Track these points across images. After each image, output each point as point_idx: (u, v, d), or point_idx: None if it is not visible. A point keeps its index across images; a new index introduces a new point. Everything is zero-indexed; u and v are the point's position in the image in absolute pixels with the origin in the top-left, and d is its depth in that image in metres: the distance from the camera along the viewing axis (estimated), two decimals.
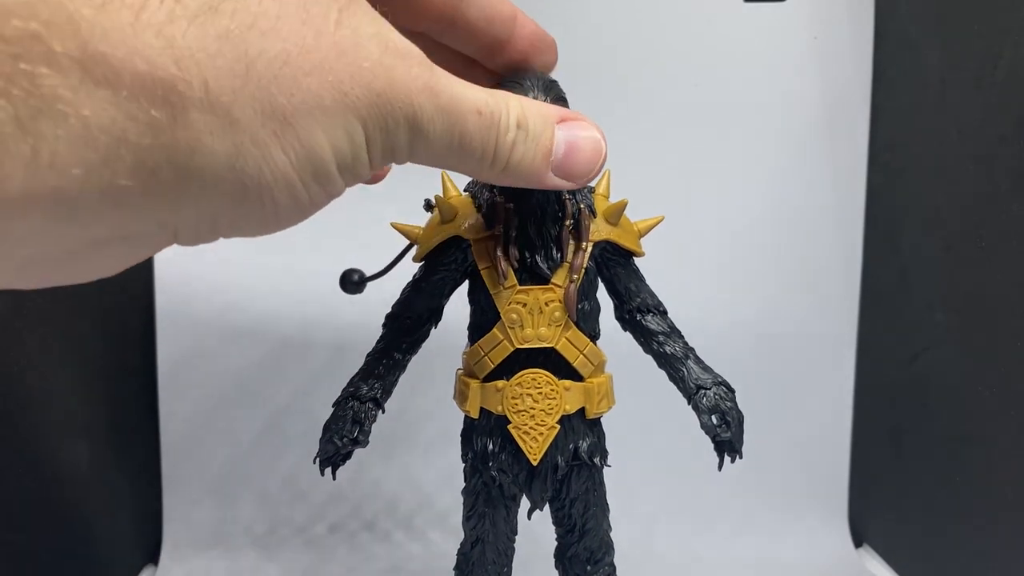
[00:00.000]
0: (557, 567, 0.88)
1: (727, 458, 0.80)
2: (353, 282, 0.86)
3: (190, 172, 0.41)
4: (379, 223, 0.86)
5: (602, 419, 0.83)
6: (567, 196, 0.77)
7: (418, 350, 0.81)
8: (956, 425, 1.07)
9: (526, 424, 0.78)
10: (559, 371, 0.78)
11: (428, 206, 0.81)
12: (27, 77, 0.35)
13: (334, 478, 0.77)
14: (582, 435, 0.80)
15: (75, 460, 1.02)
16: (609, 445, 0.84)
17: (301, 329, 1.27)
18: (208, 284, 1.26)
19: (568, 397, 0.78)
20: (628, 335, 0.84)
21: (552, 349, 0.77)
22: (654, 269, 0.84)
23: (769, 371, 1.30)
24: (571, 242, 0.76)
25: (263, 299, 1.27)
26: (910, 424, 1.19)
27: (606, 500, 0.84)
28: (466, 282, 0.81)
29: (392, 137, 0.49)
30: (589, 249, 0.76)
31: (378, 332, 0.80)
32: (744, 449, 0.80)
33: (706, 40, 1.26)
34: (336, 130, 0.46)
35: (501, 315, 0.76)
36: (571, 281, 0.75)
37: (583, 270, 0.76)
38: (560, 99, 0.78)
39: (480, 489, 0.82)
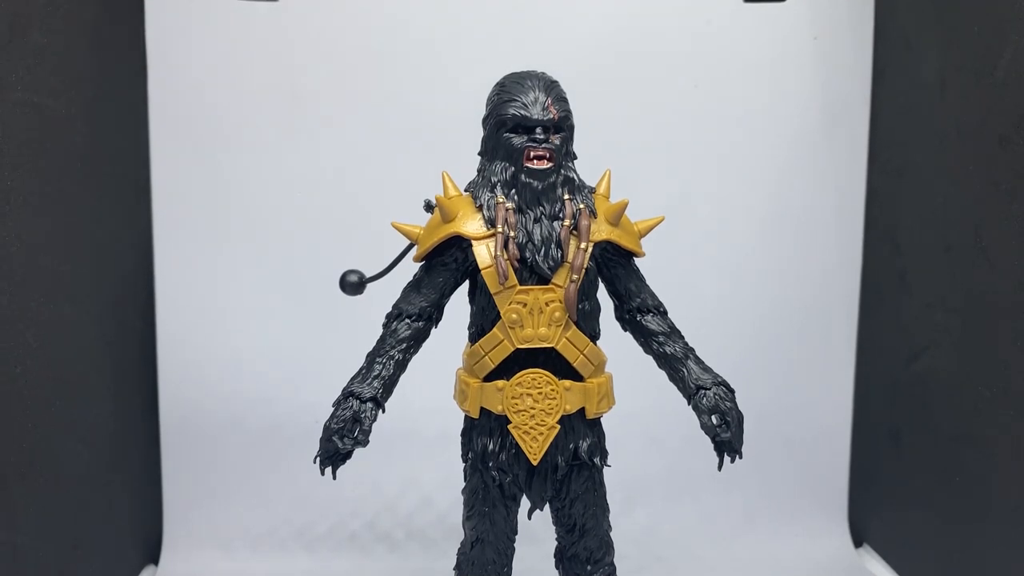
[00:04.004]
0: (557, 567, 0.88)
1: (727, 458, 0.80)
2: (352, 283, 0.86)
3: None
4: (380, 223, 0.86)
5: (602, 419, 0.83)
6: (568, 196, 0.77)
7: (419, 350, 0.81)
8: (956, 425, 1.07)
9: (526, 424, 0.78)
10: (559, 371, 0.78)
11: (428, 206, 0.81)
12: None
13: (334, 478, 0.77)
14: (582, 435, 0.80)
15: (75, 460, 1.02)
16: (609, 445, 0.84)
17: (301, 328, 1.27)
18: (209, 283, 1.26)
19: (568, 397, 0.78)
20: (628, 335, 0.84)
21: (552, 349, 0.77)
22: (654, 269, 0.84)
23: (769, 371, 1.30)
24: (571, 242, 0.76)
25: (264, 298, 1.27)
26: (910, 424, 1.19)
27: (606, 500, 0.84)
28: (466, 282, 0.81)
29: None
30: (589, 249, 0.76)
31: (379, 331, 0.80)
32: (744, 449, 0.80)
33: (706, 40, 1.26)
34: None
35: (501, 315, 0.76)
36: (572, 281, 0.75)
37: (583, 270, 0.76)
38: (561, 99, 0.78)
39: (480, 489, 0.82)
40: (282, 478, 1.26)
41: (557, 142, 0.77)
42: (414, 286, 0.81)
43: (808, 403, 1.33)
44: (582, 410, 0.79)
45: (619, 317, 0.83)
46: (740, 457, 0.80)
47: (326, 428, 0.76)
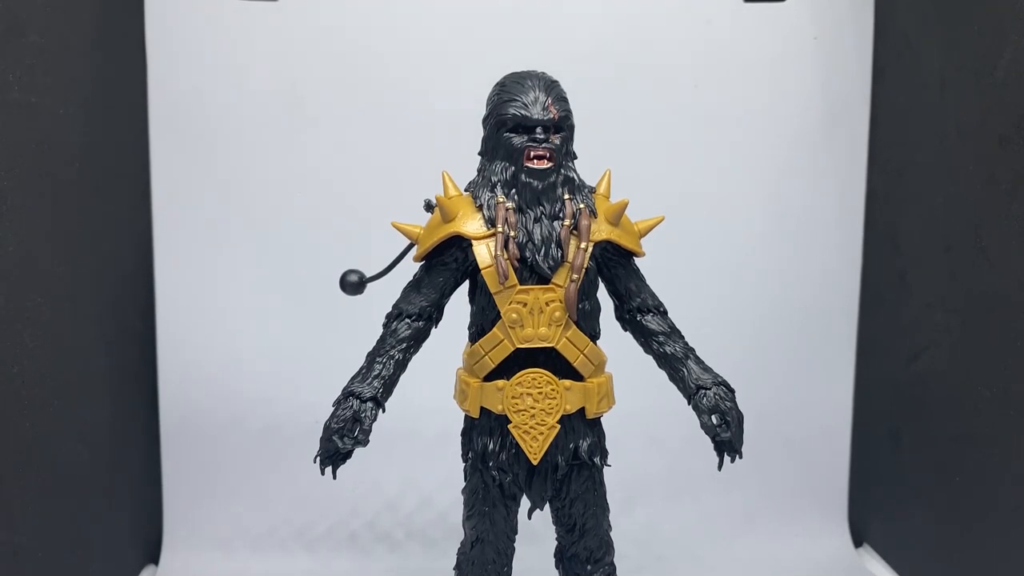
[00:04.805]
0: (557, 567, 0.88)
1: (727, 458, 0.80)
2: (353, 283, 0.86)
3: None
4: (380, 223, 0.86)
5: (602, 419, 0.83)
6: (568, 196, 0.77)
7: (419, 349, 0.81)
8: (956, 425, 1.07)
9: (526, 424, 0.78)
10: (559, 371, 0.78)
11: (428, 206, 0.81)
12: None
13: (334, 477, 0.77)
14: (582, 435, 0.80)
15: (75, 460, 1.02)
16: (609, 445, 0.84)
17: (301, 328, 1.27)
18: (209, 283, 1.26)
19: (568, 397, 0.78)
20: (628, 335, 0.84)
21: (552, 349, 0.77)
22: (654, 269, 0.84)
23: (769, 371, 1.30)
24: (572, 242, 0.76)
25: (264, 298, 1.27)
26: (910, 424, 1.19)
27: (606, 500, 0.84)
28: (466, 282, 0.81)
29: None
30: (590, 249, 0.76)
31: (379, 331, 0.80)
32: (744, 449, 0.80)
33: (706, 40, 1.26)
34: None
35: (501, 315, 0.76)
36: (572, 281, 0.75)
37: (584, 270, 0.76)
38: (561, 99, 0.78)
39: (480, 488, 0.82)
40: (282, 478, 1.26)
41: (557, 142, 0.77)
42: (414, 286, 0.81)
43: (808, 403, 1.33)
44: (582, 410, 0.79)
45: (619, 317, 0.83)
46: (740, 457, 0.80)
47: (326, 428, 0.76)
